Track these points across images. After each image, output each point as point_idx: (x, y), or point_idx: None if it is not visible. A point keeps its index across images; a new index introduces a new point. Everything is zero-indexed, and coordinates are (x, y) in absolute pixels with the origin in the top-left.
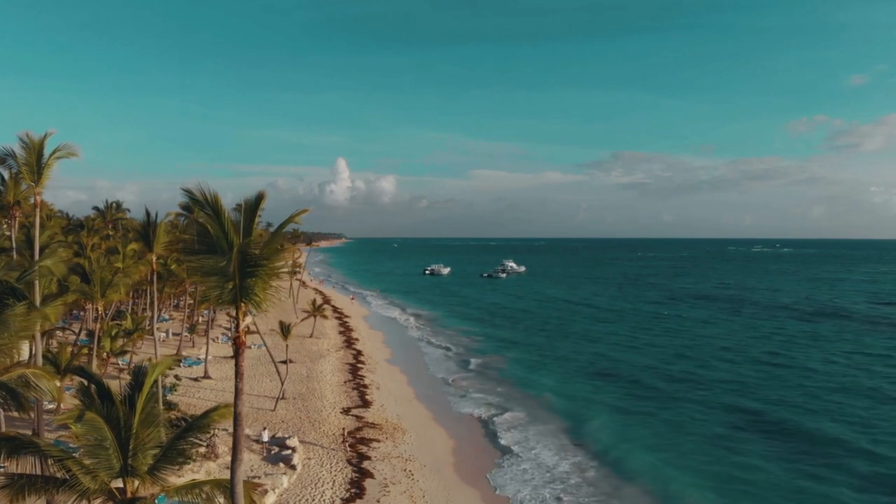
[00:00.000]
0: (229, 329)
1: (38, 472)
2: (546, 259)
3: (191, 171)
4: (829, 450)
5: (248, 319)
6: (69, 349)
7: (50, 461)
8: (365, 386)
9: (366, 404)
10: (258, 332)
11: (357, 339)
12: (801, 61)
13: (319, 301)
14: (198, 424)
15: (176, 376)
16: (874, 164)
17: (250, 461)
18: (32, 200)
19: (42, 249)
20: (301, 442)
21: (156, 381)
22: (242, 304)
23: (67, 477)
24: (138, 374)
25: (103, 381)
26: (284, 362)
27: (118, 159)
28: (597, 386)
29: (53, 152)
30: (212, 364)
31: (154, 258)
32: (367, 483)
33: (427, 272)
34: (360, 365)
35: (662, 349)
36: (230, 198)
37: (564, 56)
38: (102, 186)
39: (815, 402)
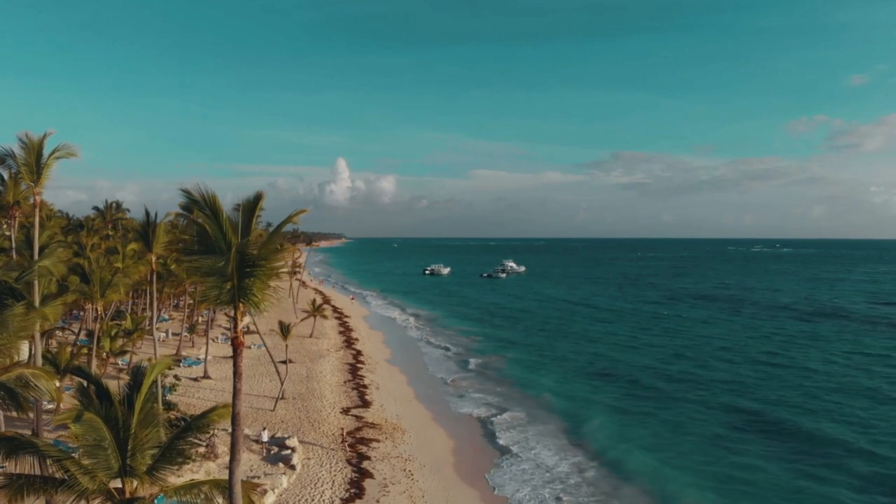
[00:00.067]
0: (229, 329)
1: (37, 472)
2: (546, 259)
3: (191, 171)
4: (827, 450)
5: (247, 319)
6: (69, 349)
7: (49, 461)
8: (364, 386)
9: (365, 404)
10: (258, 332)
11: (357, 339)
12: (801, 61)
13: (319, 301)
14: (196, 424)
15: (175, 376)
16: (874, 164)
17: (250, 461)
18: (32, 200)
19: (41, 249)
20: (301, 442)
21: (155, 382)
22: (241, 305)
23: (66, 477)
24: (136, 375)
25: (101, 382)
26: (284, 362)
27: (118, 159)
28: (596, 386)
29: (52, 152)
30: (211, 364)
31: (153, 258)
32: (367, 483)
33: (427, 272)
34: (359, 365)
35: (662, 349)
36: (230, 198)
37: (564, 56)
38: (102, 186)
39: (814, 402)
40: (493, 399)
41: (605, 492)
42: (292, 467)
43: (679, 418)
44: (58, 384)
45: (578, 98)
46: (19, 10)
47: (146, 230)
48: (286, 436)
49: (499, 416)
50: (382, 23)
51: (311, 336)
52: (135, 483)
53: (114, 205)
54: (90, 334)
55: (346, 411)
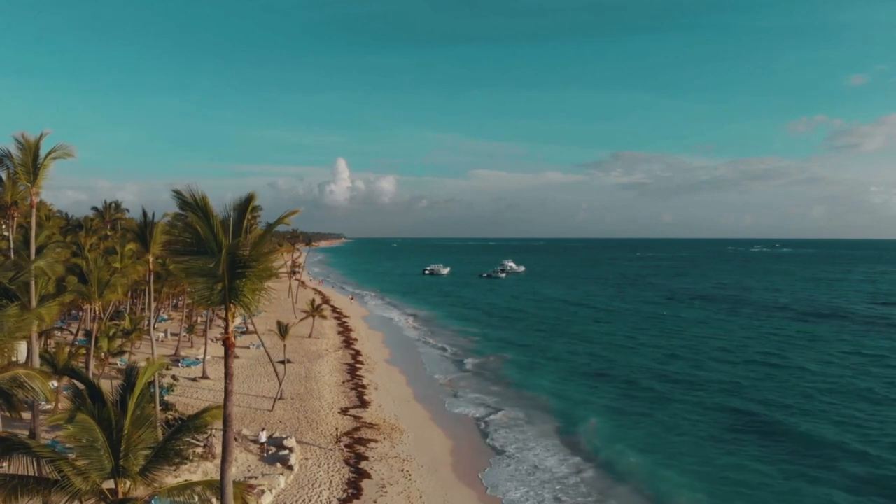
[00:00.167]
0: None
1: (31, 473)
2: (545, 259)
3: (191, 172)
4: (822, 451)
5: (238, 320)
6: (66, 349)
7: (42, 462)
8: (363, 386)
9: (364, 404)
10: (256, 332)
11: (356, 340)
12: (800, 61)
13: (318, 301)
14: (190, 425)
15: (174, 377)
16: (874, 164)
17: (247, 461)
18: (29, 201)
19: (39, 250)
20: (298, 442)
21: (151, 382)
22: (232, 306)
23: (59, 478)
24: (130, 376)
25: (94, 383)
26: (283, 362)
27: (118, 159)
28: (593, 386)
29: (49, 153)
30: (210, 364)
31: (151, 258)
32: (365, 483)
33: (426, 272)
34: (358, 365)
35: (659, 349)
36: (230, 198)
37: (564, 56)
38: (102, 186)
39: (810, 402)
40: (490, 399)
41: (601, 492)
42: (290, 468)
43: (675, 419)
44: (56, 385)
45: (578, 98)
46: (19, 10)
47: (143, 230)
48: (284, 436)
49: (496, 417)
50: (382, 23)
51: (309, 336)
52: (128, 484)
53: (113, 205)
54: (88, 334)
55: (344, 411)
